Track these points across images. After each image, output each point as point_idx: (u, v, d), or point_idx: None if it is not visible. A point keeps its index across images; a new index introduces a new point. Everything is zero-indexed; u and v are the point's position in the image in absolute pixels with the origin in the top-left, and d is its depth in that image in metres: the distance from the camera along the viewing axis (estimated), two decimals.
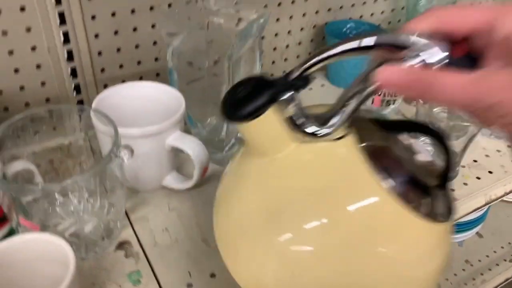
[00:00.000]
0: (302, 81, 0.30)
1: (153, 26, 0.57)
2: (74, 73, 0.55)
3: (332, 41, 0.70)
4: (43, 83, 0.54)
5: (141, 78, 0.61)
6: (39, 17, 0.49)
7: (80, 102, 0.58)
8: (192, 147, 0.47)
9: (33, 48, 0.51)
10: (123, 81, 0.59)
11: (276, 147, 0.31)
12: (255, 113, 0.29)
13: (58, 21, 0.51)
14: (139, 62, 0.59)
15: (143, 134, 0.45)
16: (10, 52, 0.50)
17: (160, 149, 0.48)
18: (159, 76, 0.62)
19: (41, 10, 0.49)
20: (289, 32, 0.70)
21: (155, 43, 0.59)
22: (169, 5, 0.57)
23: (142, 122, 0.47)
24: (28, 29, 0.50)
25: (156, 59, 0.61)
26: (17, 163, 0.44)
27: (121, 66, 0.58)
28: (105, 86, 0.58)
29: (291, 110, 0.30)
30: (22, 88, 0.53)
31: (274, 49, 0.70)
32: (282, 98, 0.29)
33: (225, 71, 0.47)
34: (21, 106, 0.54)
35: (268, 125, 0.30)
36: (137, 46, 0.58)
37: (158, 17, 0.57)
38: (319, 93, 0.72)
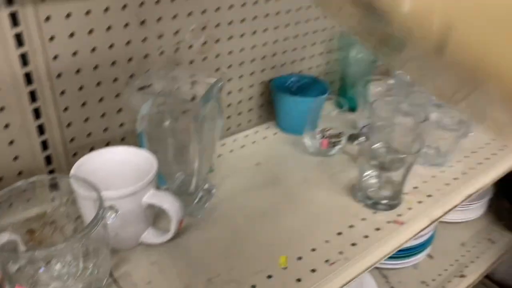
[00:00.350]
0: None
1: (117, 95, 0.63)
2: (45, 145, 0.59)
3: (277, 93, 0.79)
4: (15, 158, 0.57)
5: (108, 144, 0.65)
6: (12, 96, 0.53)
7: (51, 171, 0.61)
8: (168, 202, 0.51)
9: (6, 126, 0.54)
10: (92, 148, 0.63)
11: None
12: None
13: (29, 99, 0.54)
14: (105, 129, 0.64)
15: (122, 195, 0.49)
16: None
17: (137, 207, 0.51)
18: (124, 140, 0.66)
19: (15, 90, 0.53)
20: (240, 89, 0.77)
21: (119, 110, 0.64)
22: (131, 76, 0.63)
23: (118, 185, 0.51)
24: (2, 109, 0.53)
25: (121, 125, 0.65)
26: (3, 235, 0.46)
27: (89, 135, 0.62)
28: (75, 155, 0.62)
29: None
30: None
31: (229, 105, 0.77)
32: None
33: (191, 131, 0.53)
34: None
35: None
36: (103, 115, 0.62)
37: (124, 88, 0.62)
38: (274, 140, 0.79)
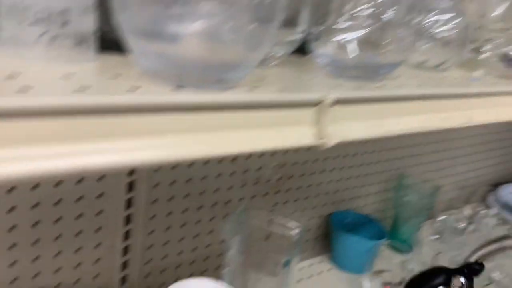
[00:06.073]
0: (476, 268, 0.41)
1: (197, 222, 0.65)
2: (124, 265, 0.60)
3: (338, 230, 0.81)
4: (96, 276, 0.58)
5: (178, 267, 0.66)
6: (111, 219, 0.56)
7: None
8: None
9: (97, 245, 0.56)
10: (163, 270, 0.64)
11: None
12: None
13: (124, 222, 0.57)
14: (179, 253, 0.65)
15: None
16: (78, 249, 0.55)
17: None
18: (193, 263, 0.68)
19: (114, 214, 0.56)
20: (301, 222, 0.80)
21: (196, 236, 0.66)
22: (214, 205, 0.66)
23: None
24: (98, 229, 0.56)
25: (193, 249, 0.67)
26: None
27: (164, 257, 0.64)
28: (147, 276, 0.63)
29: None
30: (77, 281, 0.57)
31: None
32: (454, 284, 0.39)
33: (280, 275, 0.54)
34: None
35: None
36: (180, 240, 0.65)
37: (205, 215, 0.65)
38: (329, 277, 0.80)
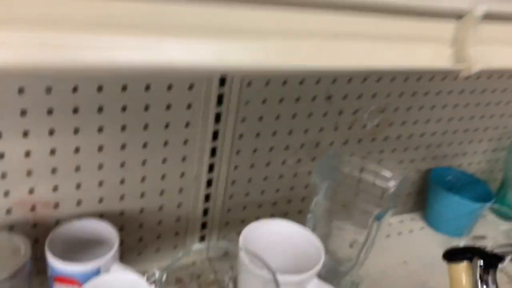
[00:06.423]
0: (493, 261, 0.49)
1: (283, 162, 0.62)
2: (207, 198, 0.59)
3: (438, 188, 0.73)
4: (179, 205, 0.58)
5: (260, 206, 0.64)
6: (196, 150, 0.54)
7: (204, 223, 0.61)
8: None
9: (182, 175, 0.55)
10: (245, 207, 0.63)
11: None
12: (454, 259, 0.50)
13: (210, 153, 0.55)
14: (262, 192, 0.63)
15: (287, 281, 0.46)
16: (163, 176, 0.54)
17: None
18: (275, 204, 0.65)
19: (200, 145, 0.54)
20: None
21: (280, 177, 0.63)
22: (302, 146, 0.61)
23: (276, 262, 0.48)
24: (184, 158, 0.54)
25: (276, 191, 0.64)
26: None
27: (247, 194, 0.62)
28: (229, 210, 0.61)
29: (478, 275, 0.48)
30: (161, 208, 0.57)
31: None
32: (476, 262, 0.49)
33: (368, 227, 0.49)
34: (153, 225, 0.58)
35: (459, 273, 0.50)
36: (265, 179, 0.62)
37: (290, 155, 0.61)
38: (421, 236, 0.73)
